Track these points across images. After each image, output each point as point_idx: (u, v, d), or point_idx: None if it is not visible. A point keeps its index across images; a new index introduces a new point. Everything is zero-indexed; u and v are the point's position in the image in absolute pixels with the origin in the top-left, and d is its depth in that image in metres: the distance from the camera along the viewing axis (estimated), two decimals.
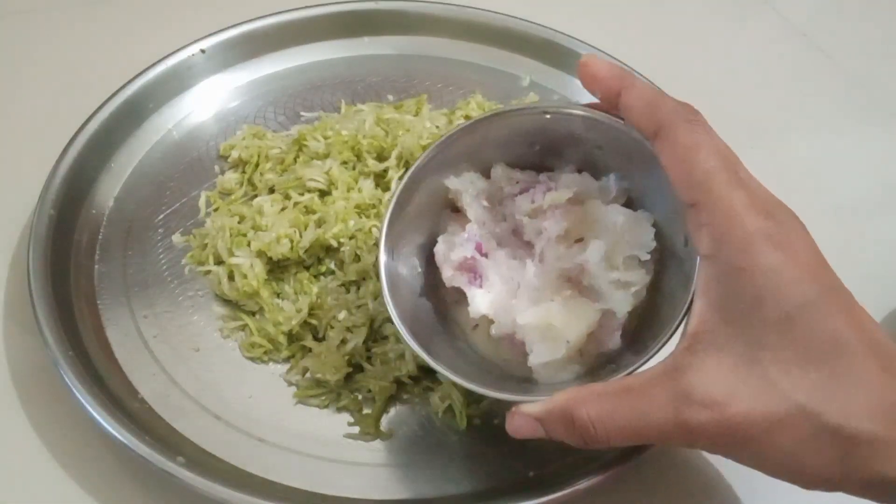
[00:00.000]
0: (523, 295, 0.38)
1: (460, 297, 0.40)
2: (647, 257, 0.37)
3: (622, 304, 0.37)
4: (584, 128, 0.38)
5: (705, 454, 0.44)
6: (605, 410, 0.30)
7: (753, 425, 0.28)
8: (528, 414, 0.32)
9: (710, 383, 0.29)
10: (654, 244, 0.37)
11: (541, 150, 0.41)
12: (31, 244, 0.45)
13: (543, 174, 0.41)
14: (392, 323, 0.38)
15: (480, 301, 0.39)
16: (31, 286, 0.44)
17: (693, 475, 0.43)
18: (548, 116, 0.39)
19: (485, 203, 0.41)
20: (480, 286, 0.39)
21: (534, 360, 0.37)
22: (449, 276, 0.40)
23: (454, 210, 0.42)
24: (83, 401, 0.39)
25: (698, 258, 0.32)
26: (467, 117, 0.55)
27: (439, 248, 0.40)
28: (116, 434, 0.38)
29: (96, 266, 0.49)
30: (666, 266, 0.38)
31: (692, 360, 0.30)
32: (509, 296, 0.39)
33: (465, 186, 0.40)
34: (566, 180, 0.40)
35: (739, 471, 0.44)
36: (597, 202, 0.39)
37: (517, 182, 0.41)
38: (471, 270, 0.40)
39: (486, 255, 0.40)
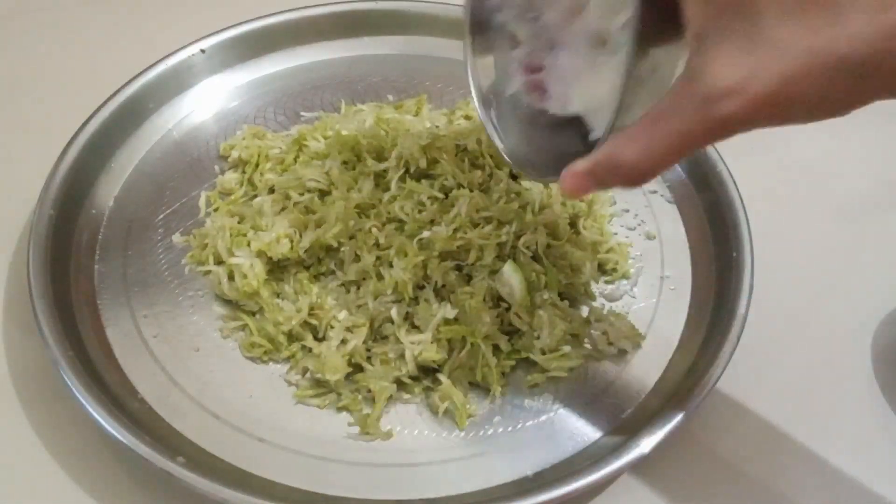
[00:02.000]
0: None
1: None
2: None
3: None
4: None
5: (704, 462, 0.44)
6: (644, 147, 0.31)
7: (777, 91, 0.28)
8: (578, 171, 0.34)
9: (726, 73, 0.29)
10: None
11: None
12: (31, 244, 0.45)
13: None
14: None
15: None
16: (31, 286, 0.44)
17: (693, 474, 0.43)
18: None
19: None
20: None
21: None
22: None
23: None
24: (83, 401, 0.39)
25: None
26: (467, 118, 0.55)
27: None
28: (116, 434, 0.38)
29: (96, 266, 0.49)
30: None
31: (702, 60, 0.29)
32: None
33: None
34: None
35: (739, 471, 0.44)
36: None
37: None
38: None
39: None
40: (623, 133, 0.32)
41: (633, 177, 0.32)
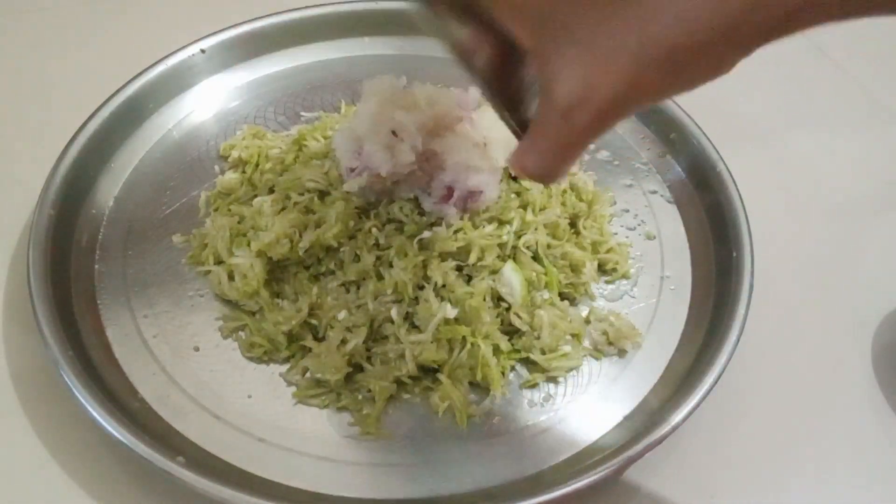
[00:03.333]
0: None
1: None
2: None
3: None
4: None
5: (705, 462, 0.44)
6: (537, 159, 0.33)
7: (621, 93, 0.29)
8: (512, 164, 0.35)
9: (568, 88, 0.29)
10: None
11: None
12: (31, 244, 0.45)
13: None
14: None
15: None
16: (31, 286, 0.44)
17: (693, 473, 0.44)
18: None
19: None
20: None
21: None
22: None
23: None
24: (83, 401, 0.39)
25: None
26: None
27: None
28: (116, 434, 0.38)
29: (96, 266, 0.49)
30: None
31: (547, 78, 0.30)
32: None
33: None
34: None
35: (739, 470, 0.44)
36: None
37: None
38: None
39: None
40: (521, 144, 0.34)
41: (542, 181, 0.35)
